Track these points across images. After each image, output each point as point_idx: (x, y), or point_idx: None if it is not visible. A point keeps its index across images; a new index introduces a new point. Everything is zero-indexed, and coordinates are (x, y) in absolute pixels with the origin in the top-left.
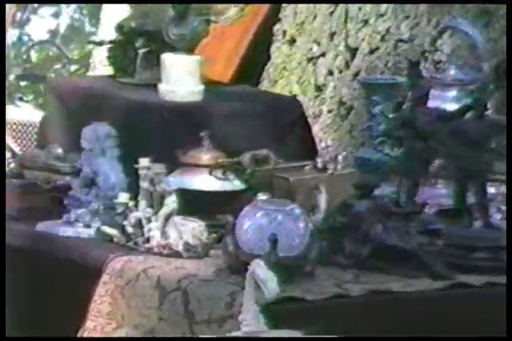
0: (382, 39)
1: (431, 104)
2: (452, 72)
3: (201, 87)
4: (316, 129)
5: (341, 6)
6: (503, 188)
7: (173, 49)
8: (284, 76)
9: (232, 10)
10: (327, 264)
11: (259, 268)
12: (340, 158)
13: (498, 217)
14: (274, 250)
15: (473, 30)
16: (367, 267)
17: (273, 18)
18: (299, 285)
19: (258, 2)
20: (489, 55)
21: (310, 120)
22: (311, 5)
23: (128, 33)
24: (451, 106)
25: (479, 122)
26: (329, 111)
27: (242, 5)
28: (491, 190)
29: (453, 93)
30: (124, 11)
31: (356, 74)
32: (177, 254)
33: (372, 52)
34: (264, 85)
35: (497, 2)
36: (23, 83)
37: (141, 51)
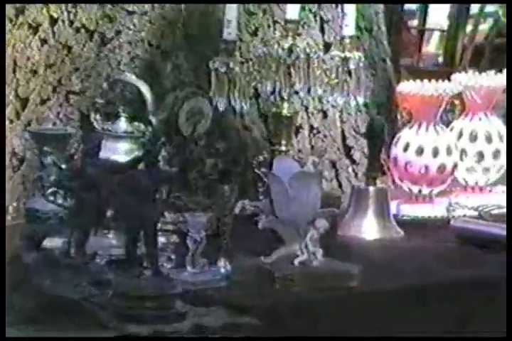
0: (54, 90)
1: (103, 155)
2: (123, 124)
3: None
4: None
5: (8, 57)
6: (174, 238)
7: None
8: None
9: None
10: None
11: None
12: (10, 209)
13: (168, 266)
14: None
15: (142, 85)
16: (33, 321)
17: None
18: None
19: (256, 2)
20: (156, 109)
21: None
22: None
23: None
24: (123, 158)
25: (149, 173)
26: None
27: None
28: (162, 239)
29: (124, 145)
30: None
31: (28, 124)
32: None
33: (43, 102)
34: None
35: (497, 2)
36: None
37: None
